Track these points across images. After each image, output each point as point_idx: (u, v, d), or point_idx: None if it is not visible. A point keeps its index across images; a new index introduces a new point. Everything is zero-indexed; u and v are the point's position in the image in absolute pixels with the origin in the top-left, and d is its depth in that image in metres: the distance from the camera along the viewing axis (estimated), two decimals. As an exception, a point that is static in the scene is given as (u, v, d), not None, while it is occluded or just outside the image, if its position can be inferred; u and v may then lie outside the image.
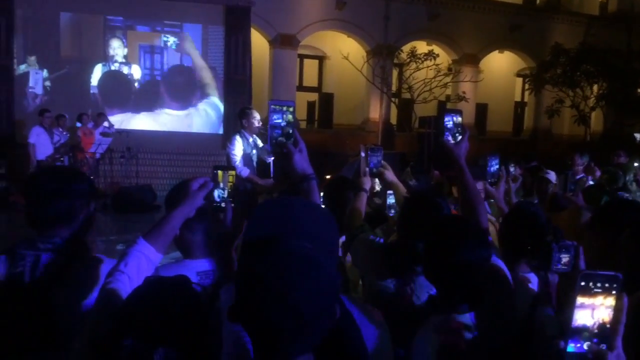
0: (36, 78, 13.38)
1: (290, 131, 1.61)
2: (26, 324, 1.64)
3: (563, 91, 18.25)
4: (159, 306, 1.29)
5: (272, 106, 1.62)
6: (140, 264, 1.56)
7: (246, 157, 5.88)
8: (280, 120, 1.61)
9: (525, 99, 23.08)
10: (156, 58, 14.42)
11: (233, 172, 1.62)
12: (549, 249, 1.95)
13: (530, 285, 2.29)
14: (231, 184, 1.61)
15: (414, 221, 2.31)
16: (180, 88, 14.25)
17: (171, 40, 14.24)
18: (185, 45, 14.31)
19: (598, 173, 6.01)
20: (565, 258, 1.96)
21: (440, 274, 1.80)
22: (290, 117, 1.62)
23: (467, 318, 1.78)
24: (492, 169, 2.65)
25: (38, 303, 1.65)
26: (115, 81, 13.99)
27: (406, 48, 18.18)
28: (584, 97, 18.42)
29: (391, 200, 3.24)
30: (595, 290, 1.10)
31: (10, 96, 12.92)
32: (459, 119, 2.15)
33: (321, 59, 20.37)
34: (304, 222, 1.25)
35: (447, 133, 2.13)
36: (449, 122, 2.13)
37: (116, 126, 12.12)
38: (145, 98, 14.17)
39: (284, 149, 1.61)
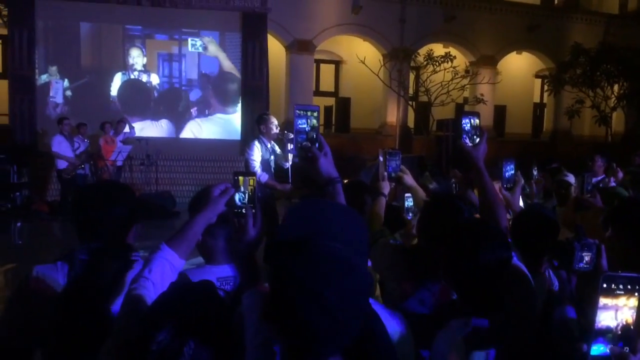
0: (57, 88, 13.61)
1: (315, 135, 1.63)
2: (85, 327, 1.69)
3: (583, 91, 18.03)
4: (187, 308, 1.31)
5: (298, 111, 1.63)
6: (164, 270, 1.58)
7: (265, 163, 5.92)
8: (305, 125, 1.63)
9: (545, 100, 22.83)
10: (174, 66, 14.59)
11: (253, 178, 1.64)
12: (571, 248, 1.93)
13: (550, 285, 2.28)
14: (252, 188, 1.63)
15: (435, 225, 2.29)
16: (228, 94, 14.42)
17: (198, 43, 14.38)
18: (211, 49, 14.45)
19: (620, 174, 5.92)
20: (587, 257, 1.94)
21: (461, 277, 1.79)
22: (315, 121, 1.63)
23: (485, 320, 1.77)
24: (507, 174, 2.63)
25: (97, 306, 1.70)
26: (134, 89, 14.16)
27: (423, 51, 18.12)
28: (605, 98, 18.17)
29: (409, 203, 3.23)
30: (618, 291, 1.09)
31: (32, 106, 13.15)
32: (477, 121, 2.13)
33: (338, 63, 20.40)
34: (335, 223, 1.28)
35: (464, 136, 2.11)
36: (466, 124, 2.12)
37: (136, 134, 12.28)
38: (163, 105, 14.33)
39: (309, 153, 1.63)
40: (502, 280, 1.79)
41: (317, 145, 1.64)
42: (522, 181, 2.73)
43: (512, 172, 2.66)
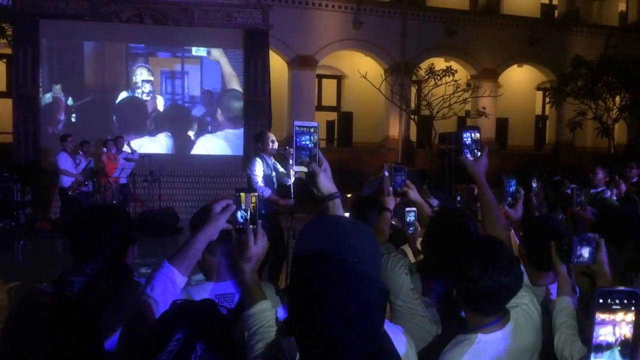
0: (61, 106, 13.69)
1: (313, 152, 1.65)
2: (76, 347, 1.68)
3: (585, 103, 18.05)
4: (189, 323, 1.31)
5: (298, 127, 1.65)
6: (166, 287, 1.57)
7: (267, 178, 5.93)
8: (308, 142, 1.65)
9: (547, 113, 22.88)
10: (177, 83, 14.68)
11: (255, 195, 1.64)
12: (570, 242, 1.93)
13: (553, 296, 2.28)
14: (254, 205, 1.63)
15: (442, 241, 2.28)
16: (230, 110, 14.50)
17: (203, 51, 14.51)
18: (214, 54, 14.55)
19: (623, 187, 5.88)
20: (586, 251, 1.94)
21: (470, 297, 1.78)
22: (315, 138, 1.66)
23: (492, 337, 1.77)
24: (510, 189, 2.63)
25: (88, 326, 1.70)
26: (135, 107, 14.23)
27: (424, 65, 18.21)
28: (607, 109, 18.19)
29: (411, 218, 3.22)
30: (615, 306, 1.08)
31: (36, 124, 13.23)
32: (477, 135, 2.14)
33: (339, 78, 20.50)
34: (350, 238, 1.31)
35: (465, 150, 2.12)
36: (467, 138, 2.13)
37: (139, 151, 12.31)
38: (166, 122, 14.39)
39: (309, 168, 1.65)
40: (509, 299, 1.79)
41: (316, 160, 1.65)
42: (523, 197, 2.73)
43: (514, 187, 2.66)
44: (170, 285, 1.57)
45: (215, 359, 1.24)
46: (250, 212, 1.61)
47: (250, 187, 6.07)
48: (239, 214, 1.60)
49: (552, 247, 2.07)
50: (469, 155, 2.12)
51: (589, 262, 1.96)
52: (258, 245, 1.58)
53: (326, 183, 1.65)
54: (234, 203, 1.63)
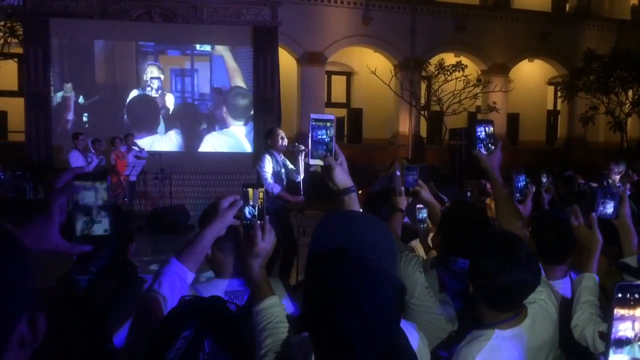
0: (72, 104, 13.77)
1: (330, 145, 1.64)
2: (86, 345, 1.69)
3: (597, 98, 17.87)
4: (198, 318, 1.31)
5: (314, 120, 1.64)
6: (174, 283, 1.57)
7: (276, 175, 5.93)
8: (324, 136, 1.64)
9: (558, 107, 22.68)
10: (187, 81, 14.71)
11: (263, 190, 1.63)
12: (593, 194, 1.92)
13: (561, 290, 2.25)
14: (261, 201, 1.61)
15: (456, 236, 2.27)
16: (240, 107, 14.52)
17: (207, 46, 14.54)
18: (218, 49, 14.57)
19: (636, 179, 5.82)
20: (609, 205, 1.93)
21: (487, 293, 1.77)
22: (332, 131, 1.64)
23: (509, 333, 1.75)
24: (519, 184, 2.61)
25: (96, 324, 1.71)
26: (145, 105, 14.29)
27: (434, 60, 18.11)
28: (619, 103, 18.00)
29: (423, 214, 3.22)
30: (634, 301, 1.06)
31: (48, 123, 13.32)
32: (491, 129, 2.12)
33: (349, 74, 20.45)
34: (367, 234, 1.30)
35: (479, 144, 2.10)
36: (480, 132, 2.10)
37: (147, 148, 12.36)
38: (176, 120, 14.43)
39: (324, 162, 1.63)
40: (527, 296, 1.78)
41: (332, 153, 1.64)
42: (532, 193, 2.72)
43: (524, 183, 2.64)
44: (178, 282, 1.57)
45: (224, 356, 1.23)
46: (258, 207, 1.60)
47: (259, 182, 6.08)
48: (246, 209, 1.60)
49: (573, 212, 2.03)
50: (482, 150, 2.10)
51: (613, 215, 1.95)
52: (266, 241, 1.58)
53: (342, 177, 1.64)
54: (241, 199, 1.62)
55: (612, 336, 1.07)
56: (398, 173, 2.75)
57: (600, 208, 1.93)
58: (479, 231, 2.21)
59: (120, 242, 1.96)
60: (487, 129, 2.11)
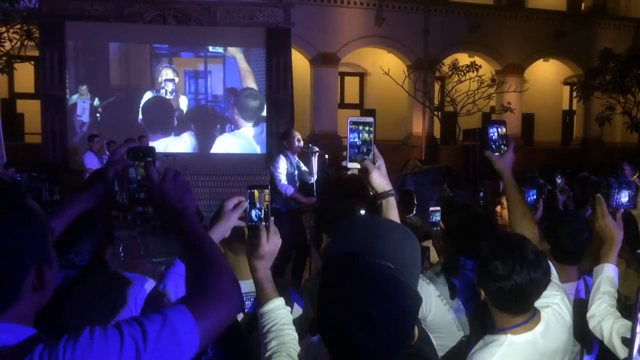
0: (87, 107, 13.89)
1: (368, 148, 1.63)
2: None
3: (613, 98, 17.68)
4: None
5: (352, 124, 1.64)
6: (178, 285, 1.57)
7: (289, 176, 5.95)
8: (357, 140, 1.63)
9: (574, 107, 22.46)
10: (200, 82, 14.78)
11: (267, 191, 1.62)
12: (608, 185, 1.89)
13: (575, 293, 2.24)
14: (267, 203, 1.60)
15: (463, 237, 2.25)
16: (253, 108, 14.57)
17: (219, 49, 14.62)
18: (231, 51, 14.62)
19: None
20: (626, 194, 1.90)
21: (499, 296, 1.75)
22: (366, 135, 1.63)
23: (521, 338, 1.72)
24: (529, 199, 2.59)
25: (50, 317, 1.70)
26: (160, 107, 14.37)
27: (447, 61, 18.04)
28: (636, 103, 17.79)
29: (436, 217, 3.22)
30: None
31: (64, 125, 13.45)
32: (504, 129, 2.10)
33: (362, 75, 20.42)
34: (387, 241, 1.26)
35: (491, 145, 2.08)
36: (493, 133, 2.09)
37: (161, 150, 12.42)
38: (190, 121, 14.51)
39: (362, 165, 1.63)
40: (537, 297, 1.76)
41: (370, 156, 1.63)
42: (542, 207, 2.71)
43: (534, 197, 2.63)
44: (181, 283, 1.56)
45: None
46: (264, 209, 1.59)
47: (272, 184, 6.10)
48: (252, 212, 1.58)
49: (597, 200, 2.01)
50: (495, 150, 2.08)
51: (629, 205, 1.93)
52: (270, 243, 1.57)
53: (380, 180, 1.63)
54: (246, 200, 1.61)
55: (637, 342, 1.05)
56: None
57: (617, 198, 1.91)
58: (484, 231, 2.21)
59: (102, 241, 1.94)
60: (499, 129, 2.10)
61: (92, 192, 1.49)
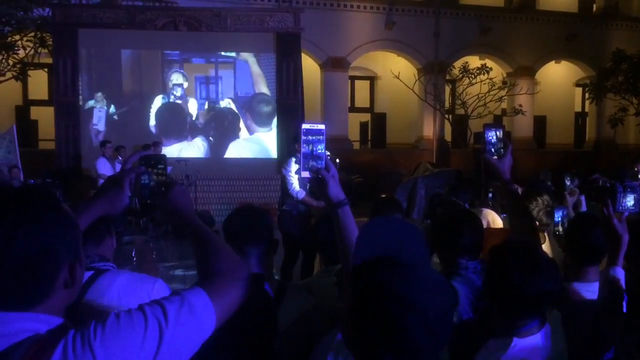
0: (100, 113, 14.02)
1: (321, 157, 1.59)
2: None
3: (626, 99, 17.52)
4: None
5: (304, 133, 1.59)
6: None
7: (301, 180, 5.96)
8: (310, 148, 1.59)
9: (586, 109, 22.28)
10: (211, 88, 14.87)
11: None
12: (614, 190, 1.89)
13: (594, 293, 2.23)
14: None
15: (446, 232, 2.30)
16: (263, 113, 14.62)
17: (232, 54, 14.69)
18: (244, 55, 14.69)
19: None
20: (631, 198, 1.90)
21: (510, 307, 1.74)
22: (323, 143, 1.59)
23: (528, 342, 1.71)
24: (557, 220, 2.62)
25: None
26: (171, 112, 14.48)
27: (458, 64, 17.98)
28: (649, 104, 17.63)
29: None
30: None
31: (77, 131, 13.59)
32: (501, 133, 2.13)
33: (372, 79, 20.42)
34: (408, 242, 1.31)
35: (490, 148, 2.10)
36: (491, 137, 2.11)
37: (174, 155, 12.50)
38: (201, 127, 14.59)
39: (318, 174, 1.59)
40: (549, 304, 1.75)
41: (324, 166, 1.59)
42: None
43: (561, 219, 2.68)
44: None
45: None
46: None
47: (283, 187, 6.12)
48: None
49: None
50: (493, 154, 2.11)
51: (636, 209, 1.92)
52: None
53: (336, 190, 1.60)
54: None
55: None
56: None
57: (622, 202, 1.91)
58: (468, 224, 2.26)
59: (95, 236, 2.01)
60: (497, 133, 2.12)
61: (107, 199, 1.54)
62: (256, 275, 1.61)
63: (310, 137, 1.59)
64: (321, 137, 1.59)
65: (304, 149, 1.59)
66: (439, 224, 2.45)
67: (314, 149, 1.59)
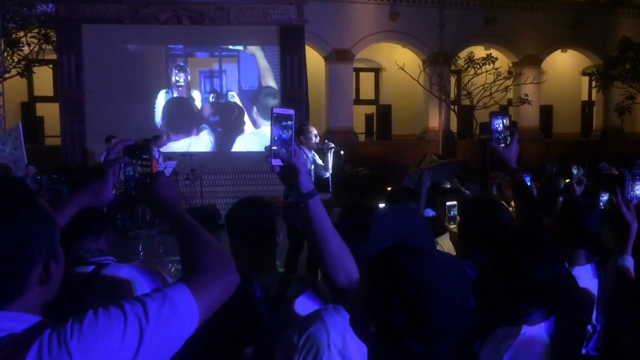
0: (105, 108, 14.01)
1: (289, 143, 1.49)
2: None
3: (633, 87, 17.39)
4: None
5: (274, 118, 1.48)
6: None
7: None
8: (280, 134, 1.49)
9: (593, 98, 22.13)
10: (215, 82, 14.86)
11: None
12: (622, 177, 1.88)
13: (586, 277, 2.24)
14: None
15: (476, 228, 2.26)
16: (268, 106, 14.57)
17: (239, 47, 14.68)
18: (251, 49, 14.66)
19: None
20: (639, 186, 1.90)
21: (521, 294, 1.73)
22: (291, 129, 1.49)
23: (537, 329, 1.70)
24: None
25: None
26: (178, 107, 14.48)
27: (463, 54, 17.89)
28: (657, 92, 17.50)
29: (454, 212, 3.21)
30: None
31: (82, 127, 13.62)
32: (507, 121, 2.12)
33: (377, 71, 20.35)
34: (419, 230, 1.33)
35: (496, 137, 2.10)
36: (497, 125, 2.10)
37: (181, 150, 12.52)
38: (206, 121, 14.59)
39: (289, 162, 1.50)
40: (554, 291, 1.73)
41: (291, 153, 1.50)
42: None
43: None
44: None
45: None
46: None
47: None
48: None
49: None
50: (500, 142, 2.10)
51: None
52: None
53: (307, 179, 1.53)
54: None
55: None
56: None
57: (631, 190, 1.90)
58: (491, 215, 2.22)
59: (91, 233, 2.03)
60: (504, 120, 2.11)
61: (90, 191, 1.50)
62: (245, 274, 1.50)
63: (282, 123, 1.49)
64: (290, 122, 1.49)
65: (275, 134, 1.48)
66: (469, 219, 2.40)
67: (282, 134, 1.49)
